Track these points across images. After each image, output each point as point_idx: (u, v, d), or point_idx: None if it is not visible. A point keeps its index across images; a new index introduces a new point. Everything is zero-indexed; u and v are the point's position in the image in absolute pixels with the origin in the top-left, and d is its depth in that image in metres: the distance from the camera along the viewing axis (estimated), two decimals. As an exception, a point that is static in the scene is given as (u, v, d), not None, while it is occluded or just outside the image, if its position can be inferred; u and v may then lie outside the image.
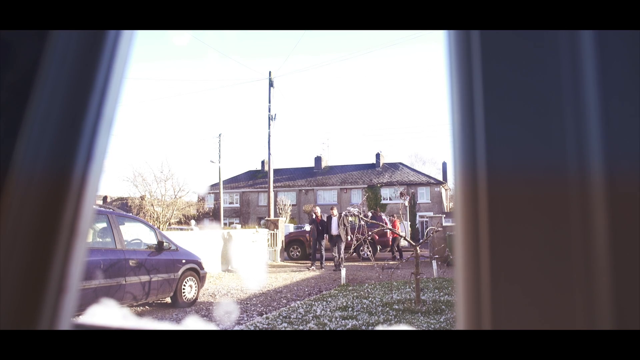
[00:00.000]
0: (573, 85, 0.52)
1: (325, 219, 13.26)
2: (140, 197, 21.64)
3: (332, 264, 13.26)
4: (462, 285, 0.55)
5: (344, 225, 12.88)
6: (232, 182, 39.58)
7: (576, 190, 0.50)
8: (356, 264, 14.21)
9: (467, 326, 0.54)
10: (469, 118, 0.55)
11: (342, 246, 12.73)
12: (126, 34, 0.69)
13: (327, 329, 5.65)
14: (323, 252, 13.44)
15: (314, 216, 13.66)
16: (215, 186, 32.98)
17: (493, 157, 0.53)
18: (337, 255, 12.73)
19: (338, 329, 5.59)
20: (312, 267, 13.19)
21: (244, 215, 37.45)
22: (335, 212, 13.15)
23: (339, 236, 12.74)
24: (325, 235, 13.29)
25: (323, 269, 12.74)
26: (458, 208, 0.56)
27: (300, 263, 15.32)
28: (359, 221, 10.14)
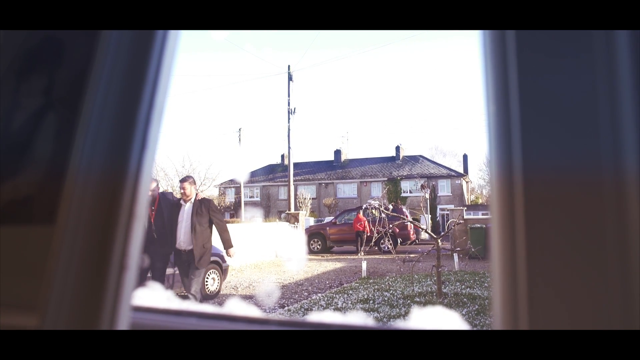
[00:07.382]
0: (608, 84, 0.52)
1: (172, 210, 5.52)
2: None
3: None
4: (498, 284, 0.54)
5: (210, 214, 5.46)
6: (252, 176, 39.83)
7: (612, 188, 0.50)
8: (377, 256, 14.21)
9: (504, 326, 0.53)
10: (504, 117, 0.56)
11: (198, 275, 5.53)
12: (172, 33, 0.74)
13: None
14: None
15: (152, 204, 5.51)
16: (235, 180, 33.28)
17: (529, 154, 0.53)
18: (191, 291, 5.43)
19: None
20: None
21: (265, 209, 37.71)
22: (190, 189, 5.46)
23: (191, 251, 5.38)
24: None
25: None
26: (494, 206, 0.55)
27: (321, 256, 15.42)
28: (380, 214, 10.05)
